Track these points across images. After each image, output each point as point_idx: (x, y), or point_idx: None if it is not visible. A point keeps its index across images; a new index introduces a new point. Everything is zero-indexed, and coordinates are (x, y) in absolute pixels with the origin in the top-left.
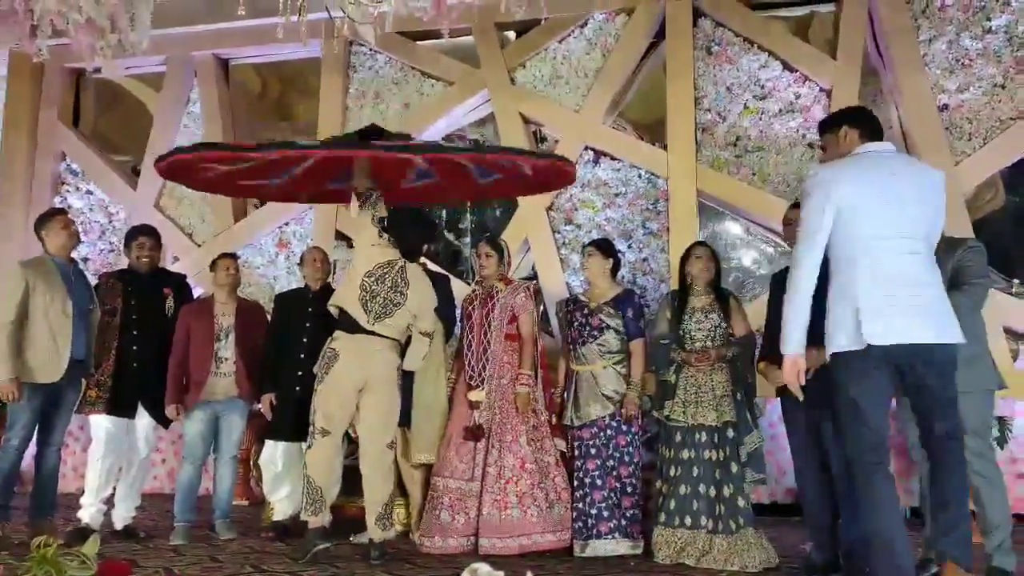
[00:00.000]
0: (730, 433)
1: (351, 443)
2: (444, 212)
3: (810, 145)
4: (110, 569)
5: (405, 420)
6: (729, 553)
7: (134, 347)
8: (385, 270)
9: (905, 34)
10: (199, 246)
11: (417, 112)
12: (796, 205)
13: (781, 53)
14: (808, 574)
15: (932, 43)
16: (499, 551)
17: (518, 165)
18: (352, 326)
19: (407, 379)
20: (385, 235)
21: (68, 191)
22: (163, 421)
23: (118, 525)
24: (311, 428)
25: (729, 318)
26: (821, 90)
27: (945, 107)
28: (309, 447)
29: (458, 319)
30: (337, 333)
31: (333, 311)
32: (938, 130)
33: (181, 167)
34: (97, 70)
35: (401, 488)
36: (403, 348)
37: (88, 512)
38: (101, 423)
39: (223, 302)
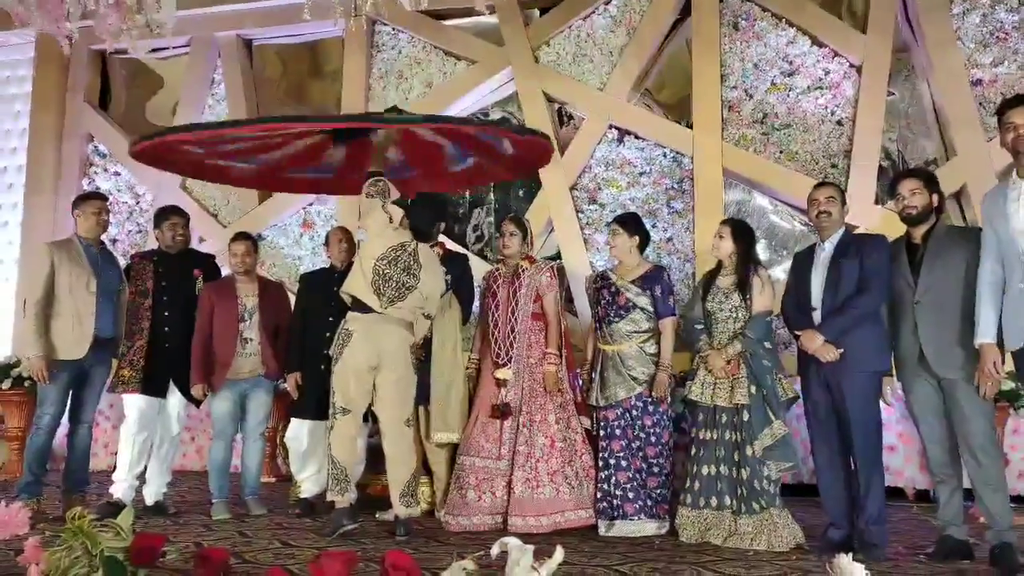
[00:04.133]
0: (745, 416)
1: (373, 422)
2: (467, 192)
3: (839, 122)
4: (144, 541)
5: (424, 399)
6: (755, 533)
7: (165, 327)
8: (398, 252)
9: (937, 7)
10: (225, 227)
11: (440, 91)
12: (821, 184)
13: (810, 28)
14: (826, 551)
15: (965, 16)
16: (531, 529)
17: (496, 144)
18: (365, 309)
19: (425, 358)
20: (396, 219)
21: (96, 172)
22: (194, 400)
23: (149, 501)
24: (331, 409)
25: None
26: (851, 66)
27: (979, 82)
28: (331, 428)
29: (477, 298)
30: (350, 315)
31: (345, 298)
32: (971, 106)
33: (161, 152)
34: (122, 51)
35: (426, 466)
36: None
37: (120, 488)
38: (134, 402)
39: (244, 283)
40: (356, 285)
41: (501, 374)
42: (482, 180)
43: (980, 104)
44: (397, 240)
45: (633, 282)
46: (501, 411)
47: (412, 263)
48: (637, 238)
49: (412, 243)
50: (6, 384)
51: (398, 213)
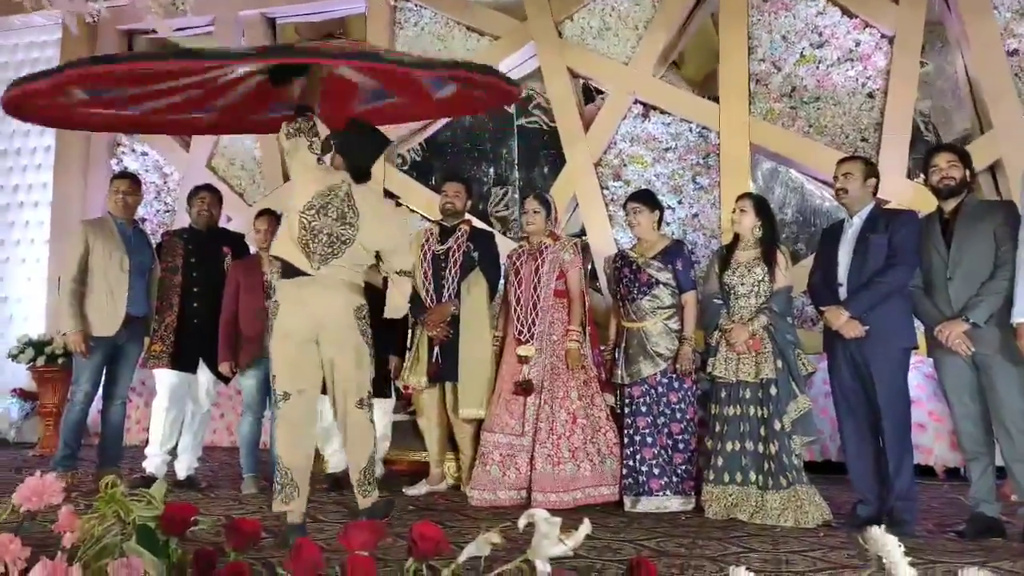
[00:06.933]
0: (772, 390)
1: (400, 398)
2: (492, 170)
3: (870, 95)
4: (176, 510)
5: (453, 375)
6: (782, 509)
7: (195, 304)
8: (327, 198)
9: None
10: (250, 206)
11: None
12: (842, 160)
13: None
14: (854, 528)
15: None
16: (553, 505)
17: (463, 75)
18: (295, 272)
19: (454, 335)
20: (325, 157)
21: (124, 153)
22: (223, 377)
23: (181, 475)
24: (272, 396)
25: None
26: (883, 36)
27: (1015, 52)
28: (272, 419)
29: (503, 275)
30: (279, 282)
31: (276, 263)
32: (1007, 77)
33: (39, 99)
34: (148, 32)
35: (452, 442)
36: (379, 290)
37: (153, 462)
38: (165, 377)
39: (269, 260)
40: (283, 245)
41: (523, 351)
42: (471, 107)
43: (1016, 75)
44: (325, 183)
45: (654, 258)
46: (524, 388)
47: (346, 209)
48: (657, 212)
49: (344, 184)
50: (41, 361)
51: (327, 148)
